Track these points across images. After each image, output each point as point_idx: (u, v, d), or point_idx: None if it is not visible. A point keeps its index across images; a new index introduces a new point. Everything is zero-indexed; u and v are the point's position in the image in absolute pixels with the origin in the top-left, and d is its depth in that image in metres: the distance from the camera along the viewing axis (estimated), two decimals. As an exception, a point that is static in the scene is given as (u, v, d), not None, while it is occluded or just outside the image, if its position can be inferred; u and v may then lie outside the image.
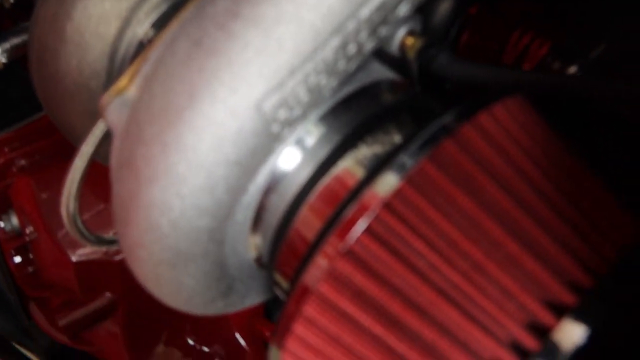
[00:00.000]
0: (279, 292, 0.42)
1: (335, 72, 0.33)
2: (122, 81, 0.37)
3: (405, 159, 0.31)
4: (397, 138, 0.37)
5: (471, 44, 0.50)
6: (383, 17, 0.32)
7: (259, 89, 0.30)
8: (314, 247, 0.34)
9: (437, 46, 0.41)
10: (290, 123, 0.33)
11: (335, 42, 0.31)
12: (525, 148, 0.32)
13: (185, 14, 0.35)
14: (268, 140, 0.33)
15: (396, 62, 0.45)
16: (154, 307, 0.66)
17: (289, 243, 0.40)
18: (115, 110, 0.36)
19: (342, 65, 0.32)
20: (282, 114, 0.32)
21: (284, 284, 0.42)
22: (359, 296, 0.30)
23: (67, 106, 0.47)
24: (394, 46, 0.44)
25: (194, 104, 0.30)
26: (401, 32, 0.43)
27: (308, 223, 0.39)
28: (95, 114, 0.42)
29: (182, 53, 0.31)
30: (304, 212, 0.40)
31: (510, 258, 0.29)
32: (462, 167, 0.30)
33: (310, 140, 0.39)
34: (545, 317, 0.29)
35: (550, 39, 0.47)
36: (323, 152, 0.38)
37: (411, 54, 0.43)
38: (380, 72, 0.42)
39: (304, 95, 0.32)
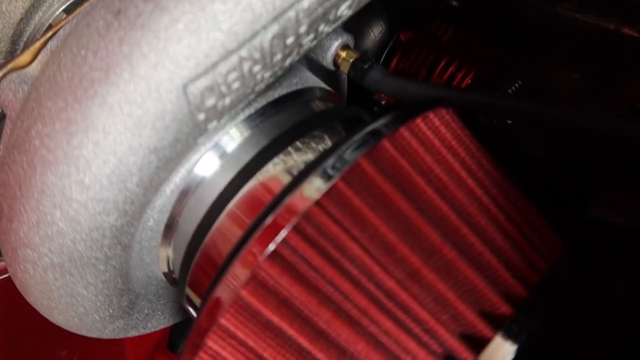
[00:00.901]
0: (190, 310, 0.38)
1: (270, 64, 0.30)
2: (23, 56, 0.32)
3: (337, 160, 0.30)
4: (328, 143, 0.36)
5: (400, 68, 0.51)
6: (324, 12, 0.31)
7: (187, 68, 0.27)
8: (234, 253, 0.31)
9: (370, 61, 0.41)
10: (217, 114, 0.30)
11: (274, 29, 0.29)
12: (460, 156, 0.31)
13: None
14: (191, 130, 0.30)
15: (327, 76, 0.44)
16: (36, 337, 0.58)
17: (205, 253, 0.37)
18: (10, 87, 0.31)
19: (278, 57, 0.30)
20: (210, 101, 0.29)
21: (197, 300, 0.37)
22: (284, 304, 0.27)
23: None
24: (328, 59, 0.43)
25: (110, 77, 0.27)
26: (335, 45, 0.42)
27: (227, 231, 0.36)
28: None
29: (100, 23, 0.28)
30: (224, 219, 0.36)
31: (447, 265, 0.28)
32: (399, 169, 0.29)
33: (234, 143, 0.36)
34: (480, 327, 0.27)
35: (475, 69, 0.48)
36: (247, 157, 0.36)
37: (345, 67, 0.42)
38: (312, 81, 0.41)
39: (235, 83, 0.29)
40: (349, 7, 0.32)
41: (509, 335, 0.29)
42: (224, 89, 0.29)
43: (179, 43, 0.27)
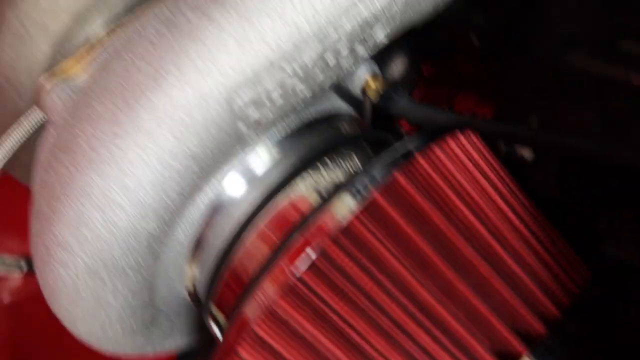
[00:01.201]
0: (214, 328, 0.37)
1: (310, 81, 0.32)
2: (70, 64, 0.34)
3: (371, 176, 0.30)
4: (357, 163, 0.36)
5: (421, 100, 0.52)
6: (364, 37, 0.32)
7: (233, 79, 0.28)
8: (266, 266, 0.31)
9: (397, 89, 0.43)
10: (258, 127, 0.31)
11: (315, 47, 0.30)
12: (490, 178, 0.32)
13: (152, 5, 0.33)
14: (232, 141, 0.30)
15: (353, 104, 0.46)
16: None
17: (233, 271, 0.37)
18: (58, 93, 0.32)
19: (318, 75, 0.32)
20: (253, 113, 0.30)
21: (222, 318, 0.37)
22: (319, 315, 0.27)
23: None
24: (356, 86, 0.44)
25: (159, 83, 0.28)
26: (364, 73, 0.44)
27: (256, 249, 0.36)
28: (20, 114, 0.37)
29: (151, 32, 0.29)
30: (253, 238, 0.36)
31: (481, 282, 0.28)
32: (433, 186, 0.30)
33: (264, 161, 0.36)
34: (514, 345, 0.27)
35: (494, 104, 0.50)
36: (277, 175, 0.36)
37: (372, 95, 0.44)
38: (341, 106, 0.42)
39: (277, 97, 0.30)
40: (386, 35, 0.34)
41: (538, 358, 0.29)
42: (267, 102, 0.30)
43: (227, 53, 0.28)
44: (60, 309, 0.33)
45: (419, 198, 0.29)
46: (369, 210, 0.28)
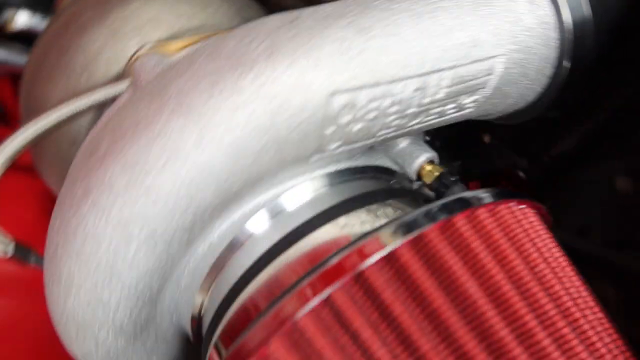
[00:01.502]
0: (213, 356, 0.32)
1: (403, 113, 0.32)
2: (170, 45, 0.34)
3: (432, 213, 0.29)
4: (409, 209, 0.35)
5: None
6: (457, 92, 0.33)
7: (342, 79, 0.28)
8: (290, 289, 0.27)
9: (453, 175, 0.43)
10: (341, 136, 0.30)
11: (418, 82, 0.31)
12: (544, 254, 0.30)
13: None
14: (314, 139, 0.29)
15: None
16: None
17: (252, 299, 0.32)
18: (152, 59, 0.32)
19: (411, 111, 0.32)
20: (344, 118, 0.29)
21: (225, 352, 0.32)
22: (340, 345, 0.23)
23: (49, 88, 0.42)
24: (413, 168, 0.45)
25: (271, 59, 0.27)
26: (423, 158, 0.44)
27: (283, 276, 0.32)
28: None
29: (272, 24, 0.30)
30: (279, 265, 0.33)
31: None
32: (490, 237, 0.28)
33: (316, 191, 0.34)
34: None
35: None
36: (318, 209, 0.34)
37: (428, 179, 0.44)
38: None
39: (371, 113, 0.30)
40: (474, 102, 0.35)
41: None
42: (361, 112, 0.30)
43: (340, 56, 0.28)
44: (61, 277, 0.28)
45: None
46: (416, 243, 0.26)
